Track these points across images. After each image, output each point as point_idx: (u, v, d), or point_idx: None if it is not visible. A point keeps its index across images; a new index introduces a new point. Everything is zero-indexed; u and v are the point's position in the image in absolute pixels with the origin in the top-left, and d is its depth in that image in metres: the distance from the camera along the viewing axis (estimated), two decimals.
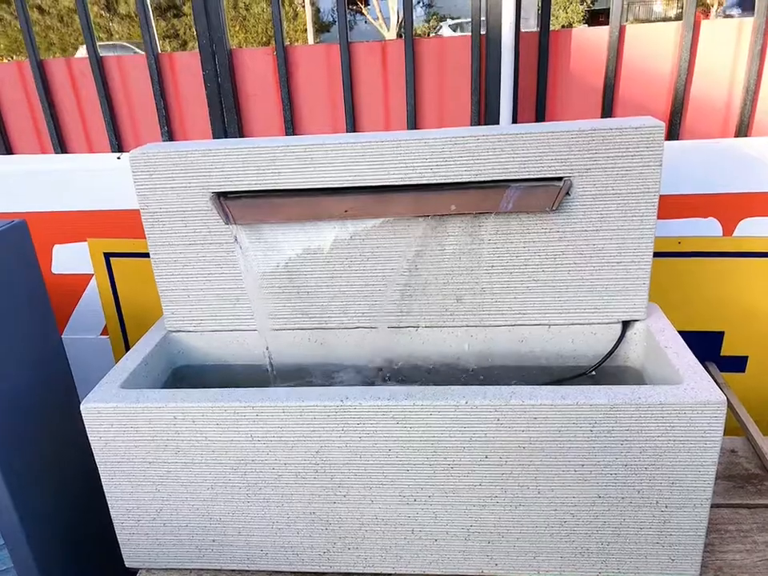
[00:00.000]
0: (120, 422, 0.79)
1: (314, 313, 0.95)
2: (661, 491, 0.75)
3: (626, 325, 0.91)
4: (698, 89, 1.18)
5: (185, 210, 0.90)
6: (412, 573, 0.83)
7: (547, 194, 0.84)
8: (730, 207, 1.16)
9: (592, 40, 1.17)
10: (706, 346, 1.26)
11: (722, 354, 1.27)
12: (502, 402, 0.72)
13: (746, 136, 1.18)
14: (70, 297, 1.39)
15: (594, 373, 0.91)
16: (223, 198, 0.88)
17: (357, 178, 0.85)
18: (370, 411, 0.74)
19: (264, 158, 0.86)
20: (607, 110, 1.20)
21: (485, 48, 1.17)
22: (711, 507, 0.76)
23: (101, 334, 1.42)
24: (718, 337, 1.26)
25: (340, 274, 0.92)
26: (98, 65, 1.28)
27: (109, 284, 1.36)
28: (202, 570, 0.87)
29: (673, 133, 1.19)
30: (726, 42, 1.15)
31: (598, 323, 0.91)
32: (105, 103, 1.30)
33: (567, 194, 0.84)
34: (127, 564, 0.88)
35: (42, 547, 0.96)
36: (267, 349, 0.95)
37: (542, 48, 1.18)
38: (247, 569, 0.86)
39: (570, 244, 0.87)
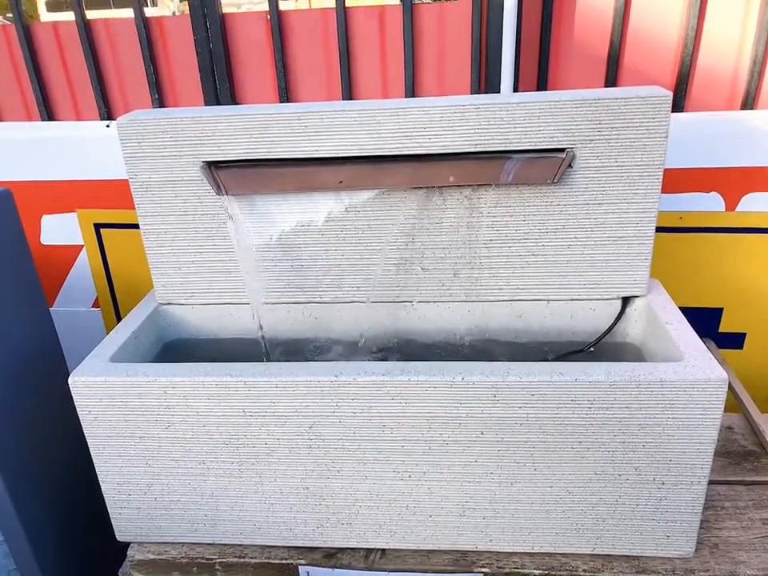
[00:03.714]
0: (109, 397, 0.77)
1: (307, 286, 0.93)
2: (659, 468, 0.74)
3: (626, 301, 0.89)
4: (705, 59, 1.14)
5: (175, 180, 0.87)
6: (406, 548, 0.83)
7: (548, 165, 0.81)
8: (734, 182, 1.13)
9: (597, 6, 1.14)
10: (704, 322, 1.25)
11: (720, 330, 1.26)
12: (499, 379, 0.71)
13: (752, 109, 1.15)
14: (61, 268, 1.37)
15: (592, 349, 0.90)
16: (215, 168, 0.86)
17: (353, 147, 0.83)
18: (364, 387, 0.73)
19: (257, 126, 0.83)
20: (611, 80, 1.17)
21: (486, 14, 1.13)
22: (708, 484, 0.75)
23: (92, 307, 1.40)
24: (716, 313, 1.25)
25: (335, 247, 0.90)
26: (86, 29, 1.23)
27: (99, 256, 1.33)
28: (194, 544, 0.86)
29: (678, 104, 1.16)
30: (734, 10, 1.12)
31: (598, 299, 0.90)
32: (92, 69, 1.26)
33: (569, 165, 0.81)
34: (118, 537, 0.87)
35: (32, 519, 0.95)
36: (260, 323, 0.93)
37: (545, 14, 1.14)
38: (240, 543, 0.86)
39: (571, 218, 0.85)
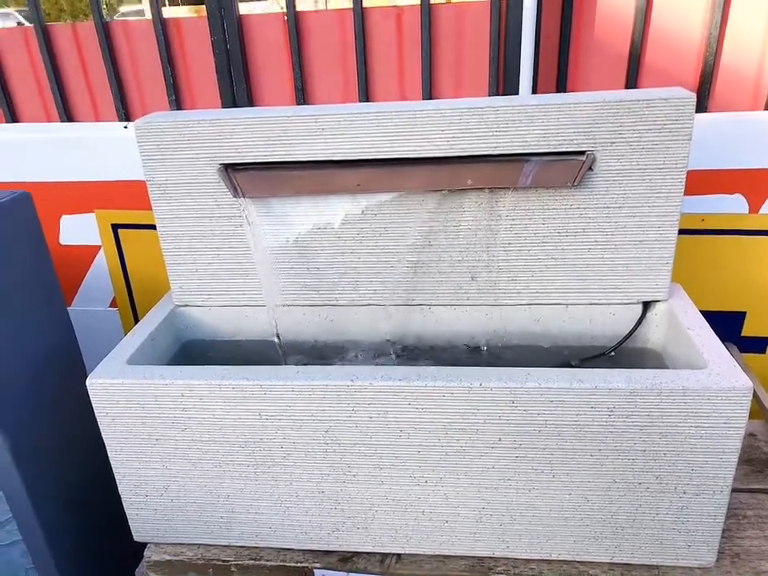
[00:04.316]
0: (126, 399, 0.77)
1: (324, 289, 0.92)
2: (680, 477, 0.73)
3: (646, 305, 0.88)
4: (729, 58, 1.12)
5: (192, 182, 0.88)
6: (422, 553, 0.83)
7: (568, 168, 0.80)
8: (758, 183, 1.11)
9: (618, 5, 1.12)
10: (726, 326, 1.23)
11: (742, 334, 1.24)
12: (518, 385, 0.70)
13: None
14: (79, 268, 1.38)
15: (612, 354, 0.88)
16: (231, 170, 0.85)
17: (370, 150, 0.82)
18: (380, 391, 0.72)
19: (274, 129, 0.83)
20: (632, 80, 1.15)
21: (504, 14, 1.12)
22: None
23: (110, 306, 1.41)
24: (739, 317, 1.22)
25: (351, 250, 0.89)
26: (104, 30, 1.24)
27: (117, 256, 1.34)
28: (210, 545, 0.87)
29: (701, 104, 1.14)
30: (759, 7, 1.09)
31: (618, 303, 0.88)
32: (111, 70, 1.27)
33: (590, 168, 0.80)
34: (135, 538, 0.88)
35: (50, 520, 0.96)
36: (276, 326, 0.93)
37: (565, 14, 1.13)
38: (255, 545, 0.86)
39: (591, 221, 0.84)
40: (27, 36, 1.29)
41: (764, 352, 1.24)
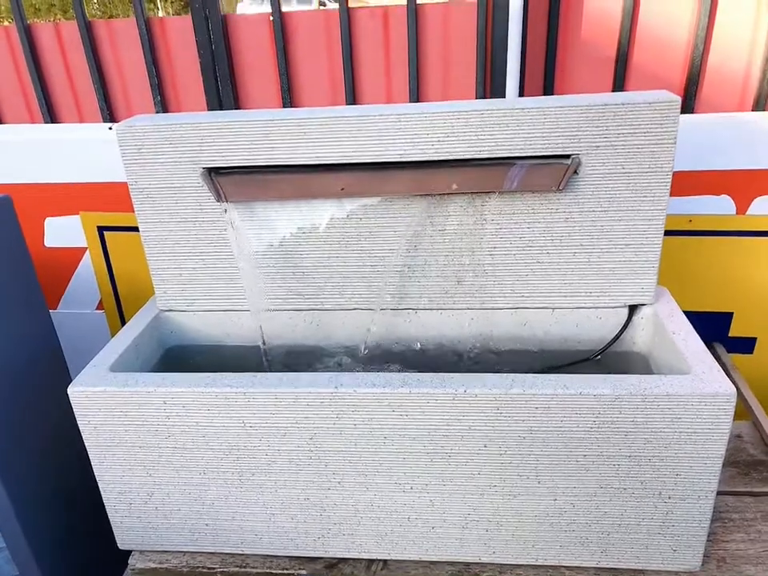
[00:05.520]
0: (109, 407, 0.76)
1: (309, 294, 0.92)
2: (665, 483, 0.73)
3: (632, 309, 0.88)
4: (716, 59, 1.12)
5: (175, 187, 0.87)
6: (408, 559, 0.82)
7: (554, 172, 0.79)
8: (745, 184, 1.11)
9: (605, 6, 1.11)
10: (714, 326, 1.23)
11: (730, 334, 1.24)
12: (502, 391, 0.70)
13: (763, 110, 1.13)
14: (65, 271, 1.36)
15: (599, 358, 0.88)
16: (215, 174, 0.85)
17: (354, 153, 0.81)
18: (364, 399, 0.72)
19: (257, 133, 0.82)
20: (619, 82, 1.14)
21: (491, 17, 1.11)
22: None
23: (96, 309, 1.39)
24: (726, 317, 1.23)
25: (336, 254, 0.89)
26: (87, 30, 1.23)
27: (103, 258, 1.33)
28: (195, 552, 0.86)
29: (687, 106, 1.14)
30: (746, 9, 1.09)
31: (604, 307, 0.88)
32: (94, 70, 1.25)
33: (575, 172, 0.80)
34: (120, 546, 0.87)
35: (34, 527, 0.95)
36: (261, 331, 0.92)
37: (551, 16, 1.12)
38: (241, 552, 0.85)
39: (577, 225, 0.83)
40: (10, 37, 1.27)
41: (751, 352, 1.25)
